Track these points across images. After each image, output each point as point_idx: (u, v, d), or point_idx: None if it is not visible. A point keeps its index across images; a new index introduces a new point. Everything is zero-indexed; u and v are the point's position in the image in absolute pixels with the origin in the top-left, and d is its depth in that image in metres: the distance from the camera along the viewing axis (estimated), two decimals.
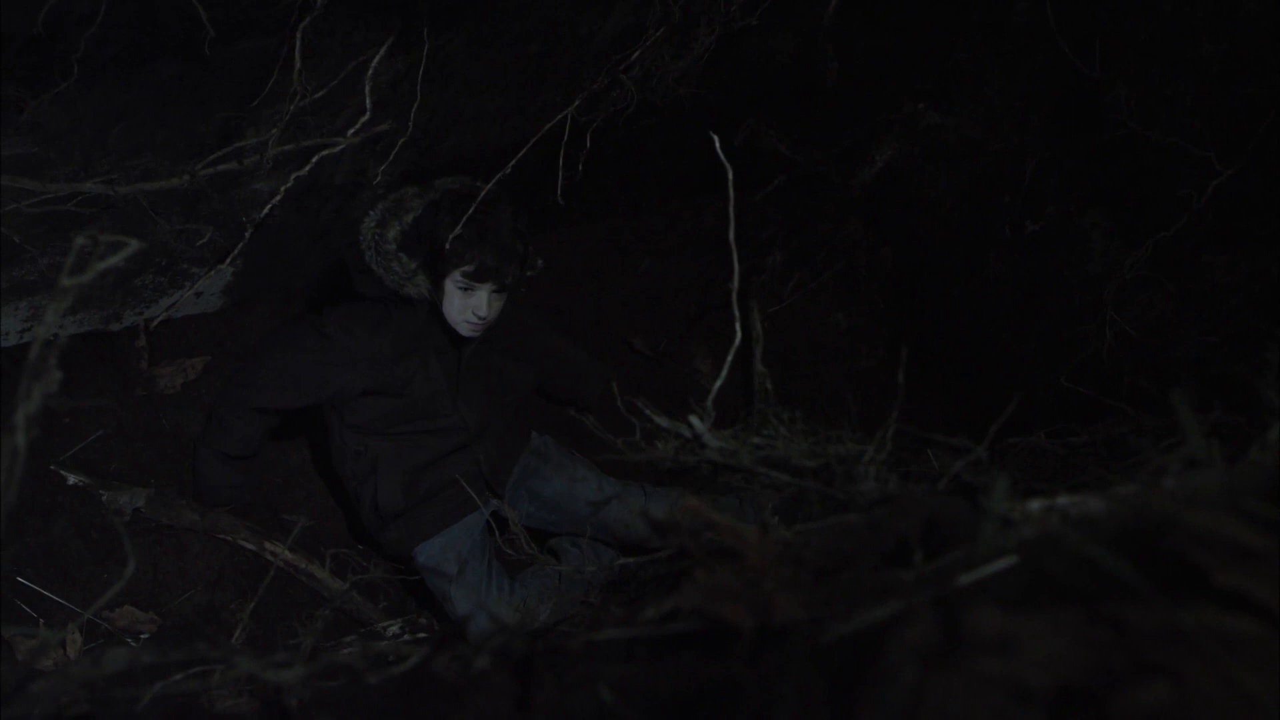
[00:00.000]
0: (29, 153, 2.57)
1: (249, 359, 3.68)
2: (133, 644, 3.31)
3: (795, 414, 1.55)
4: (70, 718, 1.18)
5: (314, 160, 2.94)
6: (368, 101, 2.84)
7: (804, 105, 4.31)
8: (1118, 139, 3.63)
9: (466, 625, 3.46)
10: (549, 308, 4.41)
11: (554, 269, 4.34)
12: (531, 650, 1.16)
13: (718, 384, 1.51)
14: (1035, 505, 1.14)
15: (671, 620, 1.08)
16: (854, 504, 1.44)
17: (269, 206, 3.12)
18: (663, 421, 1.49)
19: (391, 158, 3.19)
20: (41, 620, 3.25)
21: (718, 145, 1.75)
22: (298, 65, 2.62)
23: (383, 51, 2.81)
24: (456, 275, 3.35)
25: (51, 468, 3.47)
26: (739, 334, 1.61)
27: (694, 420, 1.46)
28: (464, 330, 3.46)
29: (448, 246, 3.29)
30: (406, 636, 3.71)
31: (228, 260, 3.34)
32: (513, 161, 3.19)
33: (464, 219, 3.26)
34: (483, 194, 3.27)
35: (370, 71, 2.81)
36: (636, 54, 3.22)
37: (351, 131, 2.91)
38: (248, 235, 3.25)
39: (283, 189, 3.03)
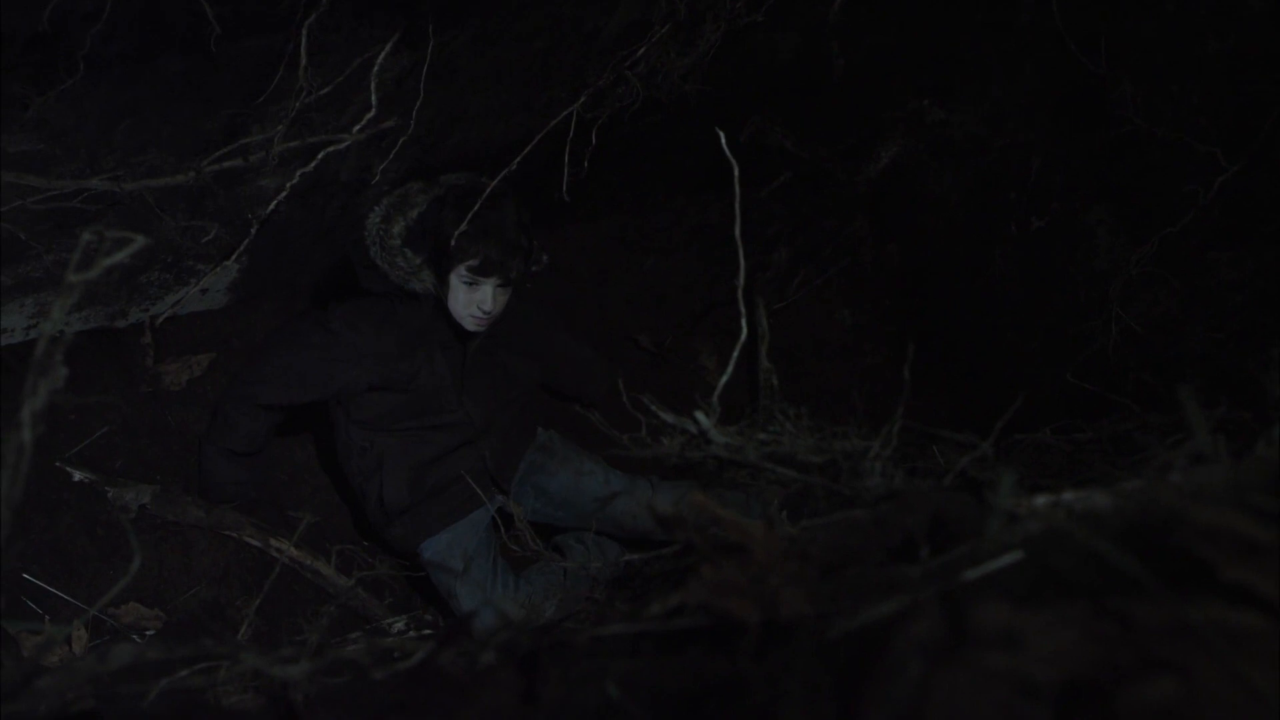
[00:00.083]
0: (35, 149, 2.57)
1: (254, 356, 3.68)
2: (138, 640, 3.31)
3: (801, 410, 1.55)
4: (75, 713, 1.18)
5: (319, 157, 2.94)
6: (373, 98, 2.84)
7: (809, 102, 4.31)
8: (1123, 135, 3.63)
9: (472, 621, 3.46)
10: (554, 304, 4.41)
11: (559, 266, 4.33)
12: (537, 646, 1.16)
13: (723, 380, 1.51)
14: (1041, 501, 1.14)
15: (677, 616, 1.09)
16: (860, 500, 1.44)
17: (274, 203, 3.12)
18: (668, 417, 1.49)
19: (396, 154, 3.19)
20: (47, 616, 3.25)
21: (724, 141, 1.75)
22: (303, 62, 2.62)
23: (388, 48, 2.81)
24: (461, 270, 3.35)
25: (57, 464, 3.48)
26: (744, 330, 1.61)
27: (699, 416, 1.46)
28: (469, 325, 3.46)
29: (453, 242, 3.29)
30: (412, 633, 3.71)
31: (233, 257, 3.34)
32: (518, 158, 3.19)
33: (469, 214, 3.26)
34: (488, 190, 3.27)
35: (375, 68, 2.81)
36: (642, 50, 3.22)
37: (357, 128, 2.91)
38: (253, 232, 3.25)
39: (288, 186, 3.03)
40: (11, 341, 3.29)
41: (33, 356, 1.07)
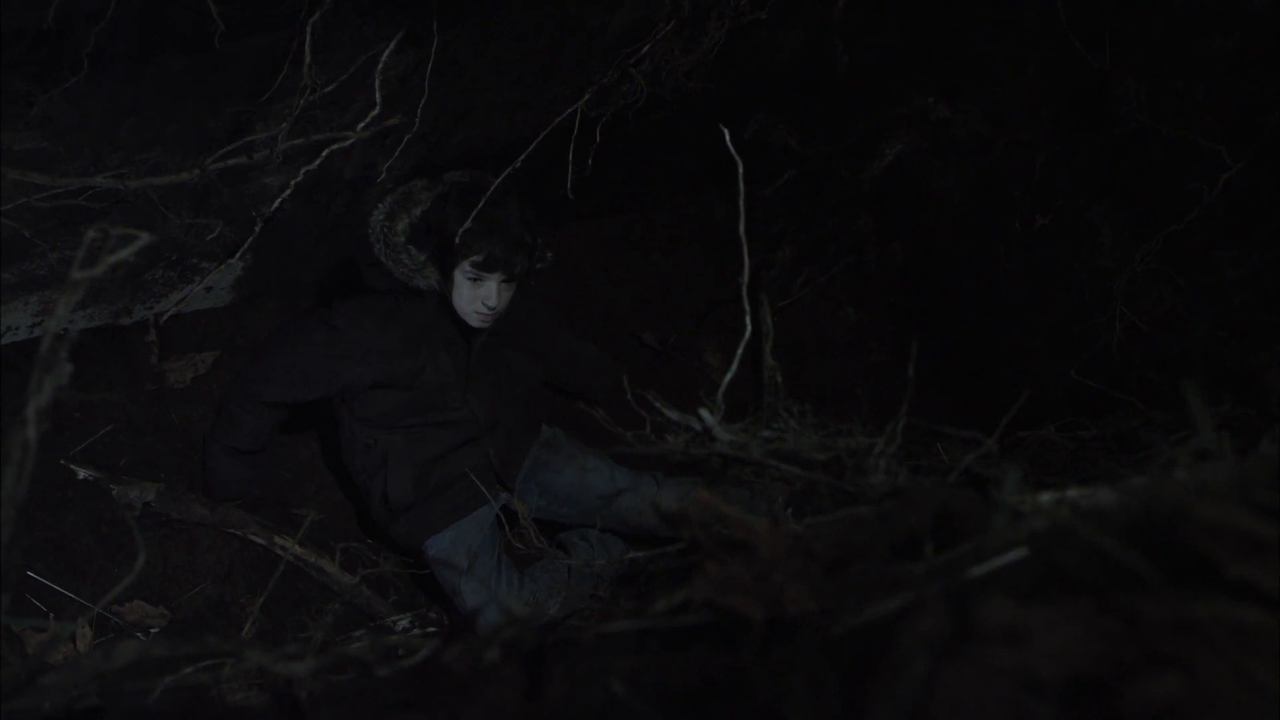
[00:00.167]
0: (39, 147, 2.58)
1: (258, 353, 3.68)
2: (143, 638, 3.31)
3: (805, 407, 1.55)
4: (80, 710, 1.18)
5: (323, 155, 2.94)
6: (377, 96, 2.84)
7: (813, 100, 4.31)
8: (1128, 133, 3.62)
9: (476, 619, 3.47)
10: (559, 302, 4.41)
11: (564, 264, 4.33)
12: (542, 643, 1.16)
13: (728, 377, 1.51)
14: (1046, 498, 1.14)
15: (682, 613, 1.09)
16: (864, 497, 1.44)
17: (279, 201, 3.12)
18: (673, 414, 1.49)
19: (400, 152, 3.19)
20: (52, 614, 3.26)
21: (728, 139, 1.75)
22: (307, 60, 2.62)
23: (392, 46, 2.81)
24: (465, 266, 3.35)
25: (62, 462, 3.48)
26: (749, 328, 1.61)
27: (704, 413, 1.46)
28: (473, 321, 3.46)
29: (457, 238, 3.29)
30: (416, 630, 3.71)
31: (237, 255, 3.34)
32: (522, 156, 3.19)
33: (473, 211, 3.26)
34: (493, 187, 3.27)
35: (380, 66, 2.81)
36: (646, 48, 3.22)
37: (361, 126, 2.91)
38: (257, 230, 3.25)
39: (292, 183, 3.03)
40: (16, 339, 3.30)
41: (37, 354, 1.07)
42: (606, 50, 3.30)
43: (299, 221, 3.53)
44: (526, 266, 3.47)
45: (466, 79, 3.21)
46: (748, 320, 1.63)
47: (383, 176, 3.32)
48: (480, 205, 3.26)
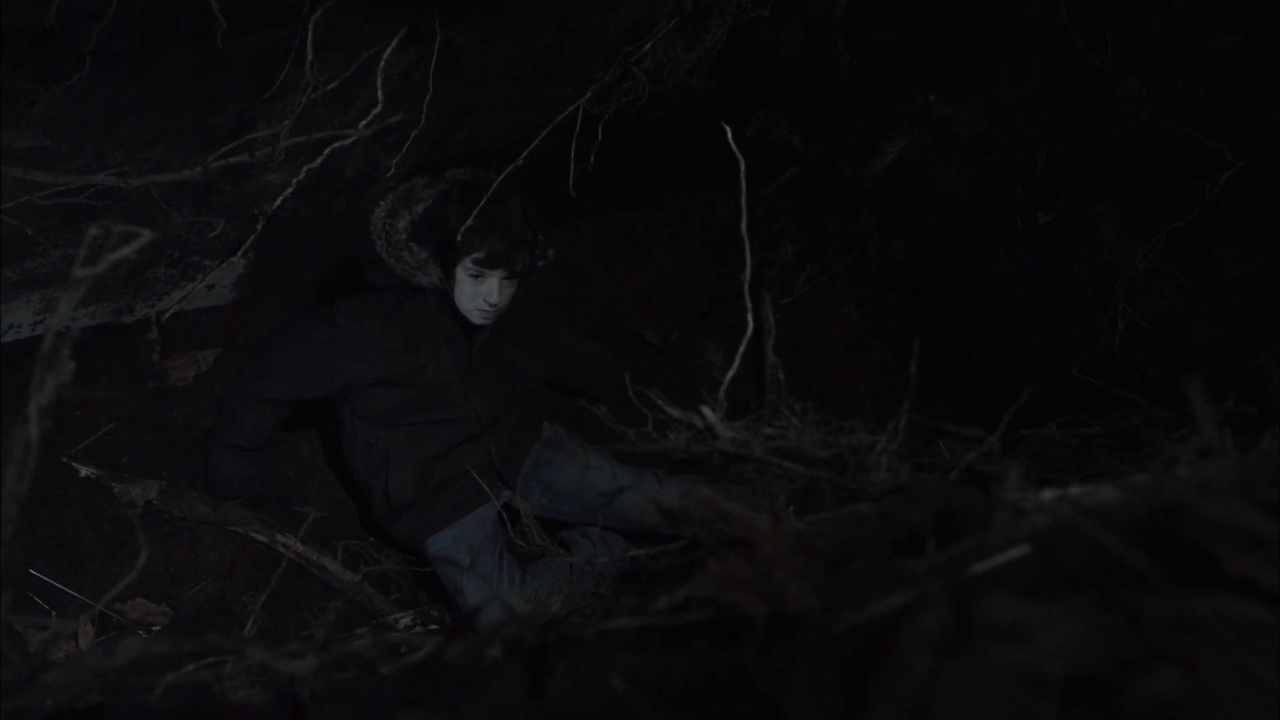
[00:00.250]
0: (42, 145, 2.58)
1: (260, 351, 3.68)
2: (144, 635, 3.32)
3: (807, 405, 1.55)
4: (82, 708, 1.18)
5: (326, 152, 2.94)
6: (379, 93, 2.84)
7: (815, 98, 4.31)
8: (1129, 131, 3.63)
9: (478, 616, 3.47)
10: (561, 300, 4.41)
11: (566, 261, 4.33)
12: (544, 640, 1.16)
13: (729, 375, 1.51)
14: (1048, 495, 1.14)
15: (684, 610, 1.09)
16: (866, 494, 1.44)
17: (281, 199, 3.12)
18: (675, 412, 1.49)
19: (403, 150, 3.19)
20: (53, 612, 3.26)
21: (730, 137, 1.75)
22: (309, 57, 2.63)
23: (394, 43, 2.81)
24: (467, 263, 3.35)
25: (64, 460, 3.48)
26: (751, 326, 1.61)
27: (706, 411, 1.46)
28: (475, 318, 3.46)
29: (458, 235, 3.29)
30: (418, 628, 3.71)
31: (240, 253, 3.34)
32: (524, 153, 3.19)
33: (475, 208, 3.26)
34: (494, 185, 3.27)
35: (382, 63, 2.81)
36: (648, 45, 3.22)
37: (363, 124, 2.91)
38: (260, 227, 3.25)
39: (294, 181, 3.03)
40: (18, 337, 3.30)
41: (40, 351, 1.07)
42: (608, 48, 3.30)
43: (301, 219, 3.53)
44: (528, 263, 3.47)
45: (469, 77, 3.22)
46: (749, 318, 1.63)
47: (392, 172, 3.32)
48: (482, 202, 3.26)
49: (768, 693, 0.97)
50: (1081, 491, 1.14)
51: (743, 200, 1.63)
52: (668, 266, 4.82)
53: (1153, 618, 0.87)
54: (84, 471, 3.48)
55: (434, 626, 3.73)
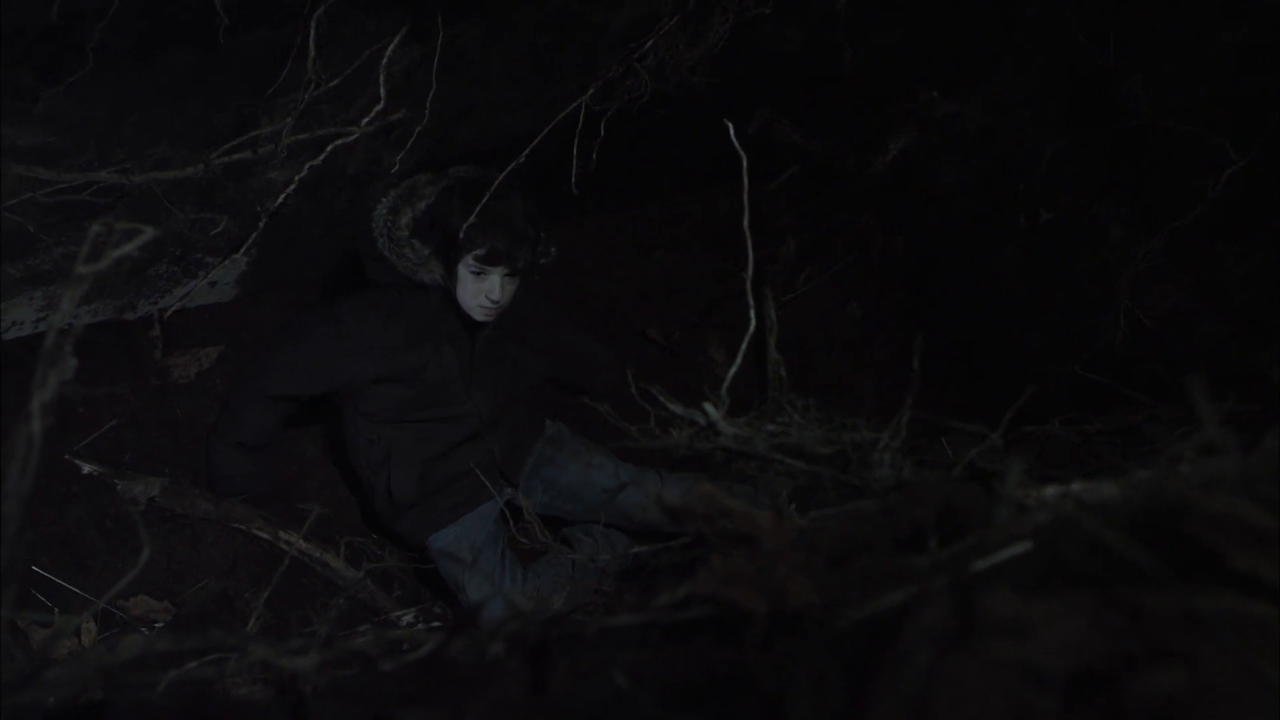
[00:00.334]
0: (44, 142, 2.58)
1: (262, 348, 3.68)
2: (147, 632, 3.32)
3: (809, 402, 1.55)
4: (85, 705, 1.18)
5: (328, 150, 2.94)
6: (382, 91, 2.84)
7: (818, 94, 4.31)
8: (1133, 128, 3.63)
9: (480, 613, 3.47)
10: (563, 297, 4.41)
11: (568, 259, 4.33)
12: (546, 636, 1.16)
13: (732, 371, 1.51)
14: (1050, 491, 1.14)
15: (686, 606, 1.09)
16: (868, 491, 1.44)
17: (283, 196, 3.12)
18: (677, 409, 1.49)
19: (406, 147, 3.19)
20: (56, 609, 3.26)
21: (732, 134, 1.74)
22: (312, 54, 2.62)
23: (397, 40, 2.81)
24: (469, 260, 3.35)
25: (66, 457, 3.48)
26: (753, 323, 1.61)
27: (708, 408, 1.46)
28: (477, 315, 3.46)
29: (460, 233, 3.29)
30: (421, 625, 3.71)
31: (242, 250, 3.34)
32: (526, 150, 3.19)
33: (477, 205, 3.26)
34: (497, 182, 3.27)
35: (385, 60, 2.81)
36: (651, 43, 3.22)
37: (366, 121, 2.91)
38: (262, 225, 3.25)
39: (297, 178, 3.03)
40: (21, 334, 3.30)
41: (42, 348, 1.07)
42: (611, 45, 3.30)
43: (303, 216, 3.53)
44: (530, 261, 3.47)
45: (471, 74, 3.21)
46: (752, 315, 1.63)
47: (395, 169, 3.32)
48: (485, 200, 3.26)
49: (769, 689, 0.97)
50: (1084, 488, 1.14)
51: (745, 197, 1.63)
52: (670, 264, 4.82)
53: (1155, 614, 0.87)
54: (86, 468, 3.48)
55: (436, 623, 3.73)
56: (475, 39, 3.04)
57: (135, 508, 3.50)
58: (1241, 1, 3.34)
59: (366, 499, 3.81)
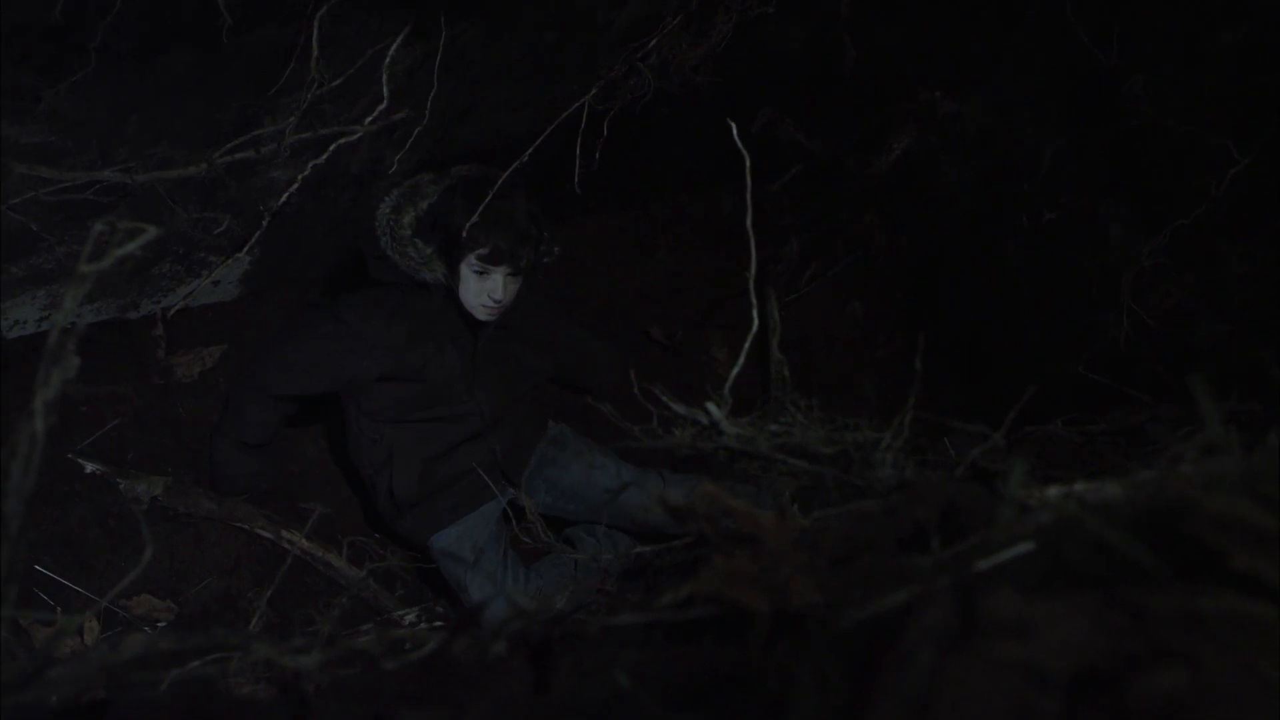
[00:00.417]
0: (47, 141, 2.58)
1: (265, 346, 3.68)
2: (150, 631, 3.32)
3: (812, 401, 1.55)
4: (87, 704, 1.18)
5: (331, 149, 2.94)
6: (385, 90, 2.84)
7: (821, 94, 4.31)
8: (1135, 128, 3.62)
9: (482, 612, 3.46)
10: (565, 297, 4.41)
11: (571, 259, 4.33)
12: (548, 636, 1.16)
13: (735, 371, 1.51)
14: (1052, 491, 1.14)
15: (688, 606, 1.09)
16: (871, 490, 1.44)
17: (286, 195, 3.12)
18: (680, 408, 1.49)
19: (408, 146, 3.19)
20: (59, 607, 3.26)
21: (735, 133, 1.75)
22: (315, 53, 2.63)
23: (399, 40, 2.81)
24: (471, 259, 3.35)
25: (69, 456, 3.48)
26: (756, 322, 1.61)
27: (711, 407, 1.46)
28: (480, 314, 3.46)
29: (463, 232, 3.29)
30: (423, 624, 3.71)
31: (245, 249, 3.35)
32: (529, 150, 3.19)
33: (480, 204, 3.26)
34: (500, 181, 3.27)
35: (387, 60, 2.82)
36: (654, 42, 3.22)
37: (369, 120, 2.91)
38: (265, 224, 3.26)
39: (300, 177, 3.03)
40: (23, 333, 3.30)
41: (45, 347, 1.07)
42: (614, 44, 3.30)
43: (306, 215, 3.53)
44: (533, 260, 3.47)
45: (474, 73, 3.22)
46: (755, 314, 1.63)
47: (397, 168, 3.32)
48: (487, 199, 3.26)
49: (772, 689, 0.97)
50: (1086, 488, 1.14)
51: (748, 197, 1.63)
52: (673, 263, 4.82)
53: (1157, 614, 0.87)
54: (89, 467, 3.48)
55: (439, 623, 3.73)
56: (477, 38, 3.05)
57: (138, 506, 3.50)
58: (1241, 1, 3.34)
59: (369, 498, 3.81)
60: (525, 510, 3.42)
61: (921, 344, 1.67)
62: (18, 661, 1.10)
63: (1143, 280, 3.64)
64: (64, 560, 3.35)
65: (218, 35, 2.39)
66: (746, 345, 1.56)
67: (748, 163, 1.64)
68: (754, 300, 1.64)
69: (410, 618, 3.73)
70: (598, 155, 3.35)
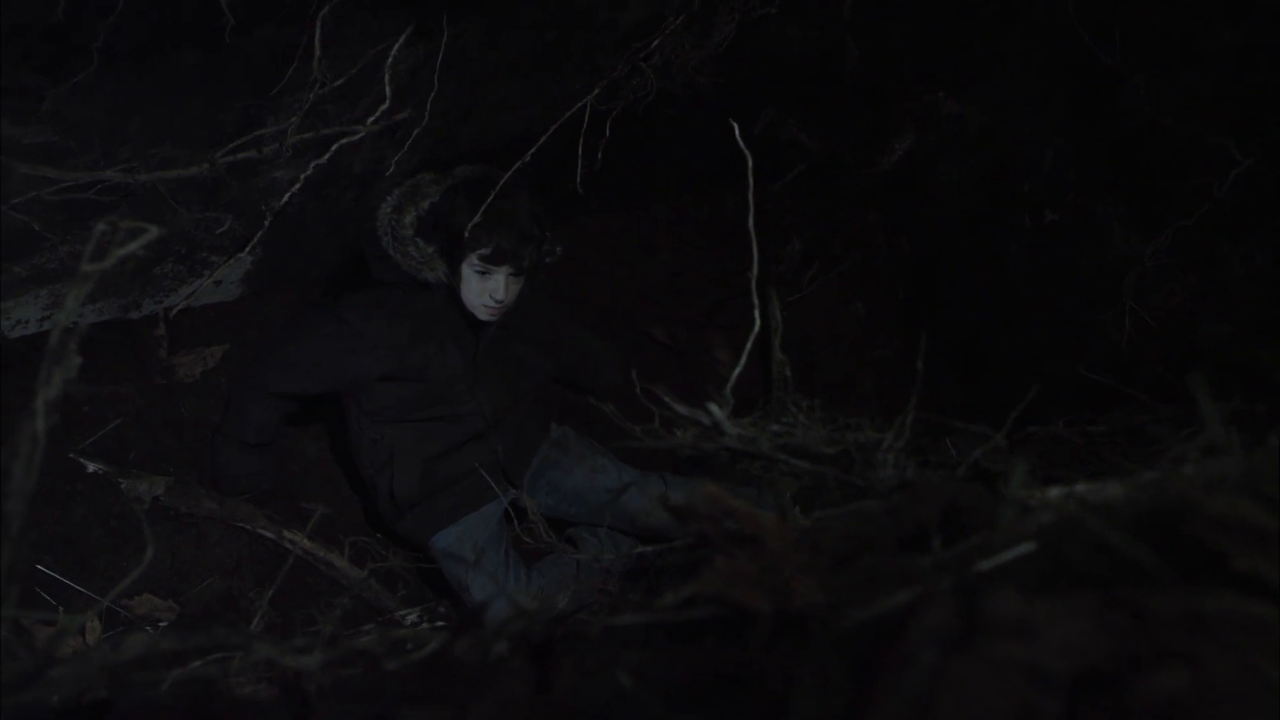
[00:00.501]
0: (50, 141, 2.58)
1: (266, 345, 3.67)
2: (151, 631, 3.32)
3: (814, 402, 1.55)
4: (89, 704, 1.18)
5: (333, 148, 2.94)
6: (387, 90, 2.85)
7: (823, 95, 4.31)
8: (1136, 128, 3.62)
9: (484, 612, 3.46)
10: (567, 297, 4.41)
11: (573, 259, 4.33)
12: (550, 636, 1.16)
13: (736, 371, 1.51)
14: (1054, 492, 1.14)
15: (690, 606, 1.09)
16: (873, 491, 1.44)
17: (288, 195, 3.13)
18: (682, 409, 1.49)
19: (410, 146, 3.19)
20: (60, 607, 3.26)
21: (737, 134, 1.75)
22: (317, 53, 2.63)
23: (402, 40, 2.81)
24: (473, 259, 3.35)
25: (71, 455, 3.48)
26: (758, 322, 1.61)
27: (713, 408, 1.46)
28: (481, 314, 3.46)
29: (465, 231, 3.29)
30: (425, 624, 3.71)
31: (247, 249, 3.35)
32: (532, 150, 3.19)
33: (481, 204, 3.26)
34: (502, 181, 3.27)
35: (389, 60, 2.82)
36: (656, 42, 3.23)
37: (371, 120, 2.91)
38: (267, 223, 3.26)
39: (302, 177, 3.03)
40: (26, 332, 3.30)
41: (47, 347, 1.07)
42: (616, 44, 3.30)
43: (308, 215, 3.53)
44: (535, 260, 3.47)
45: (476, 73, 3.22)
46: (757, 315, 1.63)
47: (391, 170, 3.32)
48: (489, 198, 3.26)
49: (774, 689, 0.97)
50: (1087, 489, 1.14)
51: (750, 197, 1.63)
52: (675, 264, 4.82)
53: (1158, 615, 0.87)
54: (91, 467, 3.48)
55: (440, 623, 3.73)
56: (479, 38, 3.05)
57: (140, 506, 3.50)
58: (1241, 1, 3.33)
59: (370, 498, 3.81)
60: (527, 510, 3.42)
61: (923, 344, 1.67)
62: (19, 661, 1.10)
63: (1145, 280, 3.64)
64: (66, 560, 3.35)
65: (220, 35, 2.40)
66: (748, 345, 1.56)
67: (750, 163, 1.64)
68: (756, 300, 1.64)
69: (412, 618, 3.72)
70: (600, 155, 3.36)
